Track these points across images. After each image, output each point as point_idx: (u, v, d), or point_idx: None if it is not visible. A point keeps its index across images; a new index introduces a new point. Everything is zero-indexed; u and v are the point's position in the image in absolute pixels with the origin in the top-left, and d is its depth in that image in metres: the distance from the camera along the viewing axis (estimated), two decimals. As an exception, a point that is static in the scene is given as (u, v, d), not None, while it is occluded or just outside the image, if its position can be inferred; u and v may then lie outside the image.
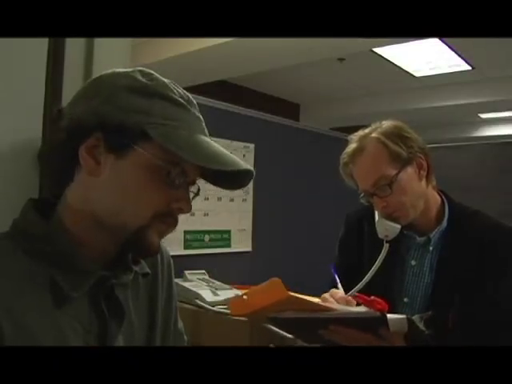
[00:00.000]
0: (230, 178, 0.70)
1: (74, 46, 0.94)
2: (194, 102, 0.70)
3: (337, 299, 1.02)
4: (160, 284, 0.79)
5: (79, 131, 0.65)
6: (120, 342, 0.68)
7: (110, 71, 0.69)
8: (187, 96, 0.70)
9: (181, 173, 0.66)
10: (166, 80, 0.69)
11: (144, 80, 0.67)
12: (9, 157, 0.86)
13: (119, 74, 0.68)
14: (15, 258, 0.62)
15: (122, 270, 0.70)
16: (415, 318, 0.90)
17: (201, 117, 0.70)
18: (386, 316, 0.88)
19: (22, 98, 0.87)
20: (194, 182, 0.71)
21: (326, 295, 1.06)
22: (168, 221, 0.68)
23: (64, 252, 0.64)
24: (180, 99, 0.67)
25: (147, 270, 0.76)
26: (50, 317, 0.62)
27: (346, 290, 1.15)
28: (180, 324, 0.85)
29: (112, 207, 0.66)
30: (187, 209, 0.69)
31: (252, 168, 0.69)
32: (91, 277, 0.65)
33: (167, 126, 0.64)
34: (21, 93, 0.87)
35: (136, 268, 0.73)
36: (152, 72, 0.69)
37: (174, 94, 0.67)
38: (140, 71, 0.69)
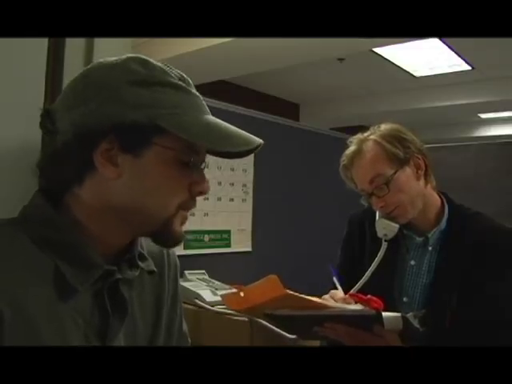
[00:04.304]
0: (238, 153, 0.70)
1: (73, 46, 0.94)
2: (190, 80, 0.69)
3: (336, 300, 1.03)
4: (166, 285, 0.79)
5: (89, 137, 0.62)
6: (121, 337, 0.68)
7: (97, 65, 0.66)
8: (183, 76, 0.68)
9: (197, 157, 0.67)
10: (160, 64, 0.67)
11: (142, 69, 0.64)
12: (8, 157, 0.86)
13: (112, 67, 0.65)
14: (21, 244, 0.62)
15: (127, 266, 0.70)
16: (409, 315, 0.91)
17: (199, 95, 0.69)
18: (381, 314, 0.89)
19: (22, 98, 0.87)
20: (203, 160, 0.71)
21: (326, 296, 1.07)
22: (190, 206, 0.69)
23: (72, 243, 0.63)
24: (180, 82, 0.66)
25: (153, 267, 0.75)
26: (52, 307, 0.61)
27: (348, 290, 1.16)
28: (184, 326, 0.84)
29: (136, 205, 0.65)
30: (207, 189, 0.69)
31: (261, 141, 0.69)
32: (97, 270, 0.64)
33: (177, 115, 0.64)
34: (21, 93, 0.87)
35: (142, 265, 0.72)
36: (145, 58, 0.66)
37: (173, 77, 0.66)
38: (132, 60, 0.66)
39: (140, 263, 0.72)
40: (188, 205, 0.69)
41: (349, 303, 1.00)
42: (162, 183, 0.65)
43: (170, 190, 0.66)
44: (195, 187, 0.68)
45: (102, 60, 0.67)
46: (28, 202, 0.67)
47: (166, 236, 0.68)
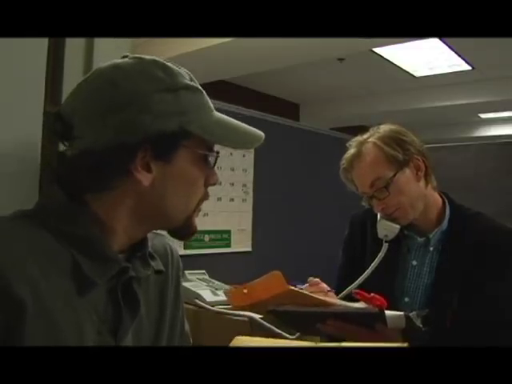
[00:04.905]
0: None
1: (73, 46, 0.94)
2: (191, 75, 0.71)
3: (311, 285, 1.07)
4: (170, 284, 0.79)
5: (126, 150, 0.63)
6: (130, 334, 0.69)
7: (121, 72, 0.66)
8: (189, 75, 0.71)
9: (213, 153, 0.72)
10: (174, 66, 0.69)
11: (165, 76, 0.66)
12: (9, 156, 0.86)
13: (139, 74, 0.65)
14: (39, 237, 0.62)
15: (140, 264, 0.71)
16: (412, 314, 0.91)
17: (202, 89, 0.71)
18: (384, 312, 0.89)
19: (22, 98, 0.87)
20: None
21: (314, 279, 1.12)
22: (206, 198, 0.73)
23: (90, 238, 0.64)
24: (192, 83, 0.69)
25: (161, 267, 0.76)
26: (69, 300, 0.61)
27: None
28: (186, 326, 0.85)
29: (164, 207, 0.69)
30: (218, 180, 0.74)
31: (263, 135, 0.75)
32: (114, 265, 0.65)
33: (200, 119, 0.68)
34: (21, 93, 0.87)
35: (152, 263, 0.74)
36: (163, 61, 0.68)
37: (187, 79, 0.69)
38: (154, 65, 0.67)
39: (150, 262, 0.73)
40: (205, 197, 0.73)
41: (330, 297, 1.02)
42: (189, 184, 0.70)
43: (194, 189, 0.71)
44: (209, 180, 0.73)
45: (119, 62, 0.68)
46: (44, 195, 0.69)
47: (185, 230, 0.73)
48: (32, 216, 0.64)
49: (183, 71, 0.70)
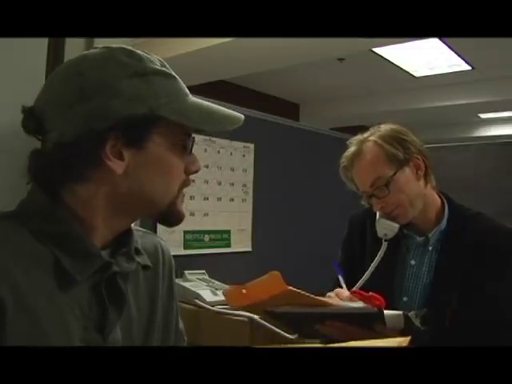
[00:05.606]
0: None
1: (73, 46, 0.94)
2: (164, 61, 0.71)
3: (342, 298, 1.04)
4: (160, 282, 0.79)
5: (96, 137, 0.63)
6: (118, 331, 0.68)
7: (87, 61, 0.66)
8: (162, 61, 0.70)
9: (189, 139, 0.71)
10: (143, 52, 0.68)
11: (132, 61, 0.66)
12: (8, 157, 0.86)
13: (105, 62, 0.65)
14: (20, 236, 0.62)
15: (124, 259, 0.70)
16: (411, 314, 0.91)
17: (176, 75, 0.70)
18: (382, 312, 0.89)
19: (22, 98, 0.87)
20: (193, 140, 0.74)
21: (332, 294, 1.08)
22: (187, 184, 0.73)
23: (70, 234, 0.64)
24: (163, 68, 0.68)
25: (148, 262, 0.76)
26: (52, 298, 0.62)
27: (349, 289, 1.16)
28: (181, 325, 0.85)
29: (142, 195, 0.68)
30: (200, 167, 0.74)
31: (242, 116, 0.73)
32: (95, 260, 0.65)
33: (173, 103, 0.66)
34: (21, 93, 0.87)
35: (138, 259, 0.73)
36: (130, 48, 0.68)
37: (157, 64, 0.68)
38: (120, 51, 0.66)
39: (136, 257, 0.73)
40: (186, 184, 0.72)
41: (354, 301, 1.00)
42: (166, 170, 0.69)
43: (173, 175, 0.70)
44: (190, 167, 0.72)
45: (86, 53, 0.68)
46: (26, 197, 0.68)
47: (171, 216, 0.72)
48: (13, 217, 0.65)
49: (154, 58, 0.68)
